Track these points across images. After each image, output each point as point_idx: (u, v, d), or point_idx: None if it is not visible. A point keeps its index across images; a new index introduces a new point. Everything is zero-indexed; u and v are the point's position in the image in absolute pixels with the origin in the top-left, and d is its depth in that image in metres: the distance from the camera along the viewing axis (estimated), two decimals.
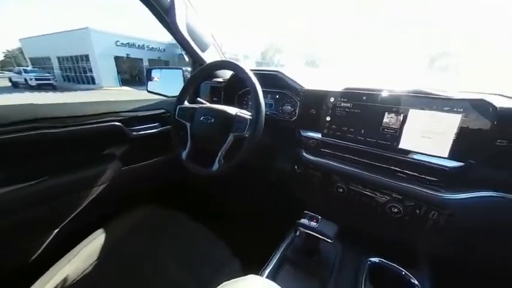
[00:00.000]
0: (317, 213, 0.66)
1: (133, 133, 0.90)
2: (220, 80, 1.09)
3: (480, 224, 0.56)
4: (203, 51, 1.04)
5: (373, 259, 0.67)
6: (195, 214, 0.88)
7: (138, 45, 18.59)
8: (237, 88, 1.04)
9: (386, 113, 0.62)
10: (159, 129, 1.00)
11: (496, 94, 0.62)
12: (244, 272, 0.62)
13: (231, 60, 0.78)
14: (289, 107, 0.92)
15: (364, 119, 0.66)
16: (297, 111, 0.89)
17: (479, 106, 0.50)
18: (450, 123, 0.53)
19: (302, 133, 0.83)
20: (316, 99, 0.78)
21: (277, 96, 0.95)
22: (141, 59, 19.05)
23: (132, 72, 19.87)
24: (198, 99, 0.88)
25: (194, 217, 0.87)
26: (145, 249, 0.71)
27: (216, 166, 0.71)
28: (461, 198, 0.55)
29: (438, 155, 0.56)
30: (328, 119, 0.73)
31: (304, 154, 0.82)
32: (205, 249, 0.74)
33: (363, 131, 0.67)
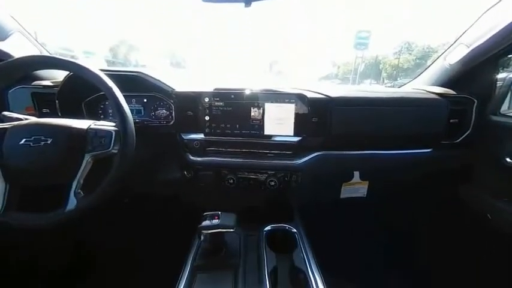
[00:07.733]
0: (217, 210, 0.68)
1: None
2: (46, 83, 0.79)
3: (316, 174, 0.85)
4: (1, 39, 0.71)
5: (266, 228, 0.80)
6: None
7: None
8: (82, 94, 0.81)
9: (251, 108, 0.75)
10: None
11: (308, 90, 0.94)
12: None
13: (69, 59, 0.58)
14: (165, 111, 0.86)
15: (237, 115, 0.76)
16: (173, 114, 0.85)
17: (301, 98, 0.75)
18: (289, 111, 0.75)
19: (184, 136, 0.81)
20: (191, 101, 0.78)
21: (146, 100, 0.85)
22: None
23: None
24: (5, 113, 0.58)
25: None
26: None
27: (72, 203, 0.52)
28: (304, 161, 0.81)
29: (288, 135, 0.77)
30: (207, 118, 0.77)
31: (191, 157, 0.81)
32: None
33: (237, 125, 0.77)
